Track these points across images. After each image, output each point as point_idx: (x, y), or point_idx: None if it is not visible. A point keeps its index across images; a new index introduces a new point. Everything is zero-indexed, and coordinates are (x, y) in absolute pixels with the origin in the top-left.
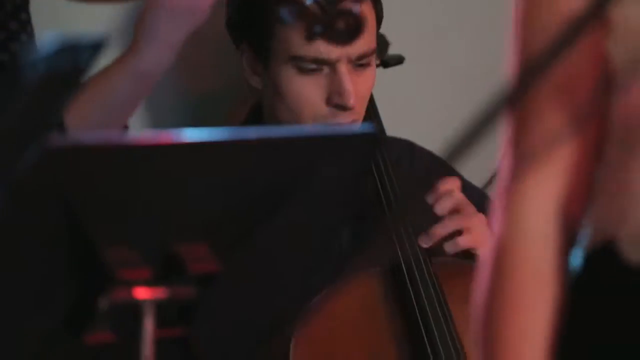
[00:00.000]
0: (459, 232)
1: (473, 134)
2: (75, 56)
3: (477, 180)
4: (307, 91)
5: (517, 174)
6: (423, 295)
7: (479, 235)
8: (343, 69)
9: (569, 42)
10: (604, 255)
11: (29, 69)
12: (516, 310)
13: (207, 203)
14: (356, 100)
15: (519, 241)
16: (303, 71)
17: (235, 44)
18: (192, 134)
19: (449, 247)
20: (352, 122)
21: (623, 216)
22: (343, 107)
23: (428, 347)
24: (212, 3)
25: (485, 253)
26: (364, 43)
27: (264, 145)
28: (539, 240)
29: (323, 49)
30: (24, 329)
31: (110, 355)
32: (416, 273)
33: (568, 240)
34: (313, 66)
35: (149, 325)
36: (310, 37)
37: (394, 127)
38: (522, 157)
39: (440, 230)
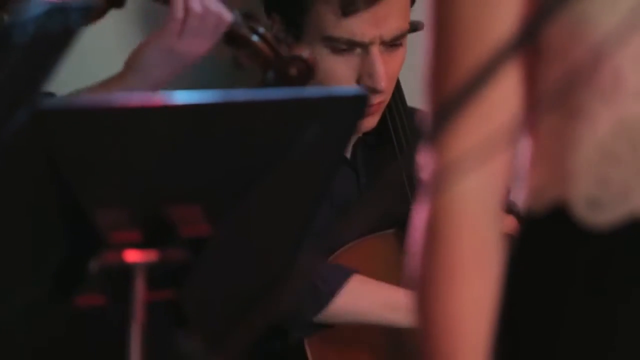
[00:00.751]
0: None
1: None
2: (65, 17)
3: None
4: (339, 71)
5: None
6: None
7: None
8: (375, 50)
9: (494, 70)
10: (552, 219)
11: (18, 29)
12: (454, 284)
13: (197, 165)
14: (386, 81)
15: (450, 211)
16: (335, 51)
17: (266, 12)
18: (181, 96)
19: None
20: (380, 102)
21: (572, 178)
22: (373, 90)
23: None
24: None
25: (418, 219)
26: (397, 25)
27: (254, 107)
28: (472, 206)
29: (357, 30)
30: (15, 291)
31: (100, 318)
32: None
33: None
34: (345, 47)
35: (139, 288)
36: (346, 12)
37: (413, 97)
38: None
39: None
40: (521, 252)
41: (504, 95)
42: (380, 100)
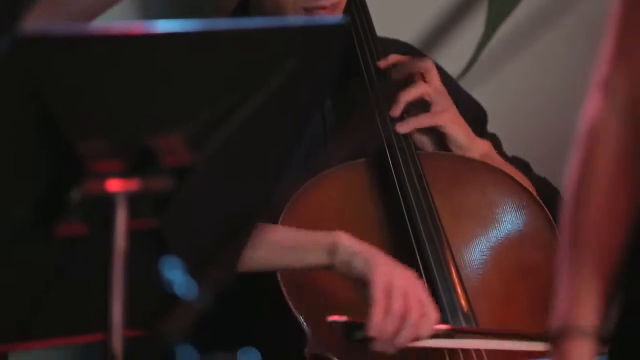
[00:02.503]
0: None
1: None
2: None
3: (453, 70)
4: None
5: (616, 58)
6: (406, 180)
7: (445, 113)
8: None
9: None
10: None
11: None
12: (602, 185)
13: (178, 94)
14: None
15: (610, 121)
16: None
17: None
18: (163, 25)
19: (413, 123)
20: (335, 4)
21: None
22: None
23: (412, 236)
24: None
25: (579, 129)
26: None
27: (235, 36)
28: (630, 121)
29: None
30: None
31: (83, 247)
32: (399, 158)
33: None
34: None
35: (121, 217)
36: None
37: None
38: (624, 41)
39: (405, 95)
40: None
41: None
42: (335, 13)
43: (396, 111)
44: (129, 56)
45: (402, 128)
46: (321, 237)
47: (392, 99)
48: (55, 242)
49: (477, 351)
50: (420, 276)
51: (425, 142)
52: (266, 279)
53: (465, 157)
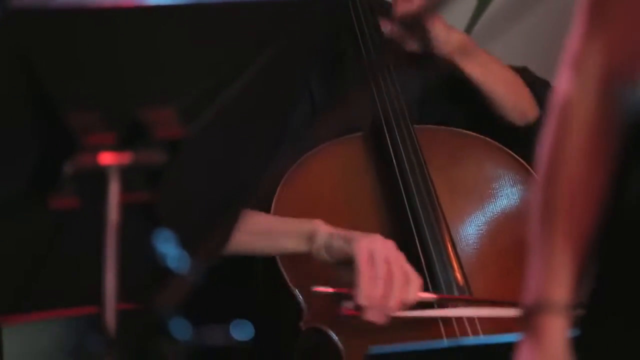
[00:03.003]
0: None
1: None
2: None
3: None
4: None
5: (588, 35)
6: (403, 154)
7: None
8: None
9: None
10: None
11: None
12: (575, 159)
13: (172, 67)
14: None
15: (582, 96)
16: None
17: None
18: None
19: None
20: None
21: None
22: None
23: (408, 211)
24: None
25: (551, 105)
26: None
27: (228, 9)
28: (602, 96)
29: None
30: None
31: (76, 220)
32: (396, 132)
33: (626, 104)
34: None
35: (114, 190)
36: None
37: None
38: (595, 18)
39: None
40: None
41: None
42: None
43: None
44: (121, 29)
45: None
46: (300, 225)
47: (387, 71)
48: (48, 215)
49: (471, 320)
50: (417, 250)
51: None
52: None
53: (464, 131)
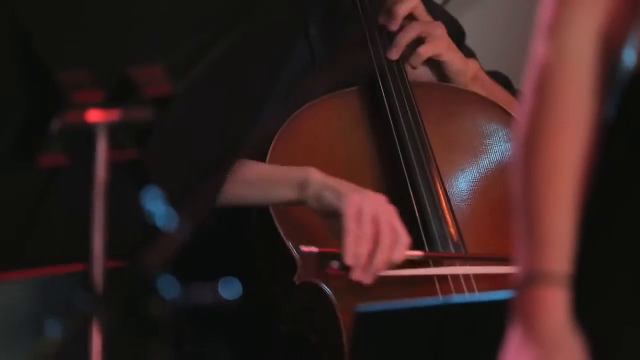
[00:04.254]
0: (421, 41)
1: None
2: None
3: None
4: None
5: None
6: (398, 108)
7: (441, 41)
8: None
9: None
10: None
11: None
12: (556, 132)
13: (160, 23)
14: None
15: (562, 65)
16: None
17: None
18: None
19: (414, 60)
20: None
21: None
22: None
23: (403, 165)
24: None
25: (529, 76)
26: None
27: None
28: (582, 65)
29: None
30: None
31: (64, 177)
32: (392, 87)
33: (608, 68)
34: None
35: (102, 148)
36: None
37: None
38: None
39: (403, 37)
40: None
41: None
42: None
43: (395, 54)
44: None
45: (393, 54)
46: (293, 172)
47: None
48: (36, 172)
49: (467, 278)
50: (412, 204)
51: (425, 74)
52: (258, 210)
53: (457, 87)
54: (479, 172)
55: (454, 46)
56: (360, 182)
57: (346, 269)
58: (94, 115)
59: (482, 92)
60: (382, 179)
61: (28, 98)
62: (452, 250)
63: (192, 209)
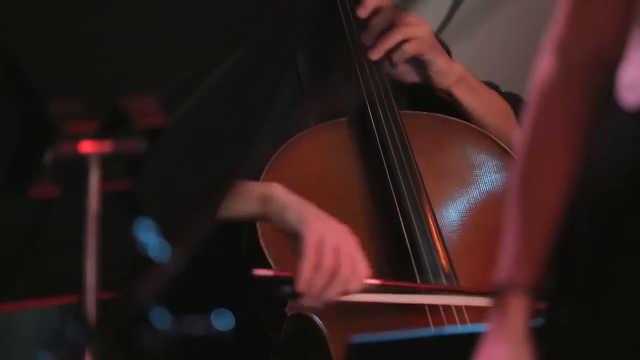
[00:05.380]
0: (404, 42)
1: None
2: None
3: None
4: None
5: (572, 18)
6: (388, 138)
7: (424, 41)
8: None
9: None
10: None
11: None
12: (553, 143)
13: (153, 55)
14: None
15: (564, 80)
16: None
17: None
18: None
19: (397, 57)
20: None
21: None
22: None
23: (394, 195)
24: None
25: (531, 89)
26: None
27: None
28: (585, 80)
29: None
30: None
31: (56, 209)
32: (381, 117)
33: (604, 86)
34: None
35: (94, 179)
36: None
37: None
38: (579, 3)
39: (387, 40)
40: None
41: None
42: None
43: (375, 55)
44: (103, 17)
45: (374, 54)
46: (257, 187)
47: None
48: (28, 203)
49: (459, 309)
50: (402, 235)
51: (407, 72)
52: (246, 233)
53: (448, 117)
54: (468, 202)
55: (438, 46)
56: (351, 212)
57: (296, 295)
58: (87, 146)
59: (468, 94)
60: (373, 210)
61: (20, 129)
62: (444, 280)
63: (184, 240)
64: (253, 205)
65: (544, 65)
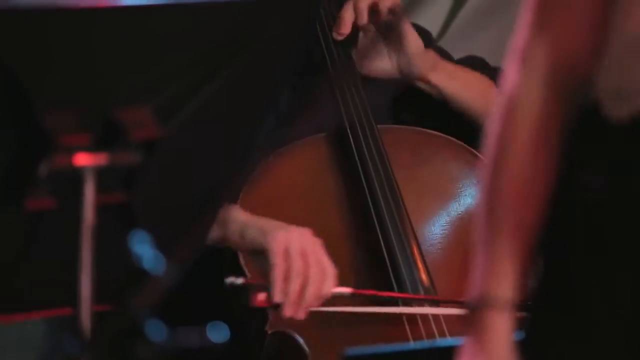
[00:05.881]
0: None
1: None
2: None
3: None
4: None
5: (534, 28)
6: (367, 157)
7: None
8: None
9: None
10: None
11: None
12: (519, 155)
13: (147, 66)
14: None
15: (528, 91)
16: None
17: None
18: None
19: (378, 15)
20: None
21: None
22: None
23: (373, 211)
24: None
25: (498, 99)
26: None
27: (203, 8)
28: (548, 91)
29: None
30: None
31: (51, 221)
32: (361, 137)
33: (572, 98)
34: None
35: (89, 191)
36: None
37: None
38: (541, 12)
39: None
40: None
41: None
42: None
43: (342, 29)
44: (97, 29)
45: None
46: None
47: (351, 76)
48: (23, 215)
49: (436, 319)
50: (381, 250)
51: (383, 64)
52: (229, 254)
53: (428, 131)
54: (449, 216)
55: (413, 31)
56: (330, 228)
57: (276, 307)
58: (82, 159)
59: (447, 80)
60: (352, 226)
61: (15, 141)
62: (423, 294)
63: (179, 252)
64: (214, 228)
65: (511, 74)
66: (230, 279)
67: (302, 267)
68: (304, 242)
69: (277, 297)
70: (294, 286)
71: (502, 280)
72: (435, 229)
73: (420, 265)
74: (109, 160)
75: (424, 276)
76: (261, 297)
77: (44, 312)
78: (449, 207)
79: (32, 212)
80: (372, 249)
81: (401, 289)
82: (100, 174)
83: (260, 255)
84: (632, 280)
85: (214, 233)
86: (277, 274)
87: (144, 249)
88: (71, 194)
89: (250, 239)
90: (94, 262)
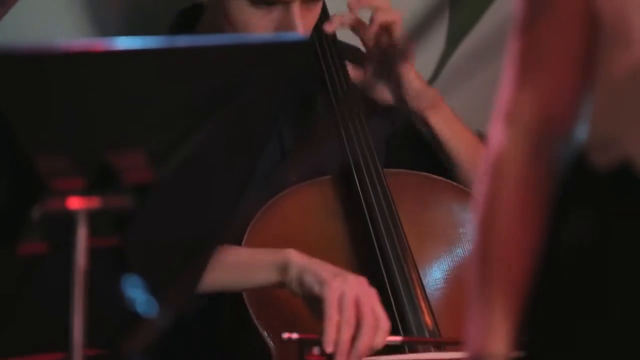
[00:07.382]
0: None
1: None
2: None
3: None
4: (257, 24)
5: (517, 85)
6: (373, 199)
7: (390, 10)
8: (296, 9)
9: None
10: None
11: None
12: (506, 215)
13: (140, 110)
14: (303, 34)
15: (513, 150)
16: (255, 4)
17: None
18: (125, 42)
19: (369, 28)
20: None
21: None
22: None
23: (378, 255)
24: None
25: (484, 159)
26: None
27: (195, 53)
28: (532, 150)
29: None
30: None
31: (44, 265)
32: (366, 178)
33: (559, 154)
34: (267, 1)
35: (82, 235)
36: None
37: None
38: (524, 69)
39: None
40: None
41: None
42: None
43: (329, 27)
44: (90, 73)
45: (328, 26)
46: (272, 256)
47: (356, 116)
48: (15, 259)
49: None
50: (387, 293)
51: (384, 95)
52: (230, 294)
53: (431, 176)
54: (452, 260)
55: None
56: None
57: (329, 358)
58: (74, 202)
59: (441, 124)
60: (357, 267)
61: (7, 185)
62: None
63: (172, 296)
64: (270, 274)
65: (495, 134)
66: (286, 335)
67: (355, 317)
68: (358, 290)
69: (329, 348)
70: (345, 336)
71: (497, 336)
72: (438, 273)
73: (424, 308)
74: (102, 204)
75: (428, 319)
76: (315, 351)
77: (36, 357)
78: (452, 251)
79: (25, 255)
80: (378, 292)
81: (406, 331)
82: (93, 217)
83: (315, 300)
84: (620, 314)
85: (271, 278)
86: (330, 326)
87: (136, 293)
88: (64, 237)
89: (308, 287)
90: (86, 306)
